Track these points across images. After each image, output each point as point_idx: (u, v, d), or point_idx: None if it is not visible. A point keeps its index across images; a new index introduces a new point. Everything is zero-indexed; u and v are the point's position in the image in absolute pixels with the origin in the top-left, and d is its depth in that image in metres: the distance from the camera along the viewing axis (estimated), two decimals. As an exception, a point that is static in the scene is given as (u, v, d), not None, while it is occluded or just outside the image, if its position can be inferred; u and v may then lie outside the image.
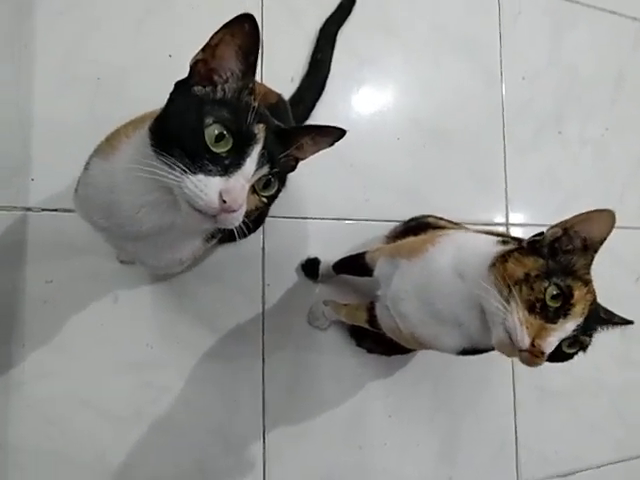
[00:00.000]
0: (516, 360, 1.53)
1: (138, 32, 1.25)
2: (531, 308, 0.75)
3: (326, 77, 1.38)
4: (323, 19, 1.40)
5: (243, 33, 0.64)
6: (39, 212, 1.13)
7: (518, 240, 0.93)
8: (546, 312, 0.74)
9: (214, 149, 0.62)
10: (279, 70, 1.34)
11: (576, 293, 0.75)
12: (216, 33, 0.65)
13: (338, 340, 1.35)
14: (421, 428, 1.41)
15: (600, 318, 0.78)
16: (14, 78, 1.14)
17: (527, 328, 0.73)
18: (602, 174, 1.77)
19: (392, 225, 1.38)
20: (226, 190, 0.60)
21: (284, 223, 1.33)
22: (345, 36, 1.43)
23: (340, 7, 1.42)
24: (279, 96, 1.09)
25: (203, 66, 0.67)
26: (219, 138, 0.62)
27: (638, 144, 1.83)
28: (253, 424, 1.26)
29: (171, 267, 0.85)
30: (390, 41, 1.51)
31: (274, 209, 1.22)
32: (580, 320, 0.75)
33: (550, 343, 0.73)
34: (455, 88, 1.57)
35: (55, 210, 1.14)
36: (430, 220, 1.29)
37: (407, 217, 1.38)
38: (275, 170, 0.66)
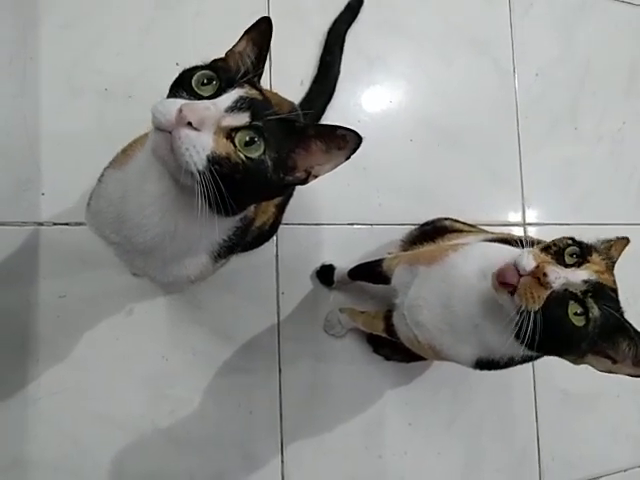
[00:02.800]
0: (537, 364, 1.50)
1: (144, 42, 1.24)
2: (546, 249, 0.76)
3: (336, 80, 1.36)
4: (331, 20, 1.38)
5: (260, 32, 0.69)
6: (50, 226, 1.12)
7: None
8: (561, 258, 0.75)
9: (198, 90, 0.62)
10: (288, 74, 1.33)
11: (594, 256, 0.75)
12: (240, 39, 0.70)
13: (355, 348, 1.33)
14: (441, 436, 1.39)
15: (614, 304, 0.74)
16: (20, 92, 1.14)
17: (534, 257, 0.73)
18: (620, 169, 1.73)
19: (407, 229, 1.36)
20: (186, 104, 0.57)
21: (297, 230, 1.31)
22: (354, 37, 1.41)
23: (348, 7, 1.40)
24: (292, 105, 1.07)
25: (221, 62, 0.68)
26: (207, 83, 0.62)
27: (656, 138, 1.79)
28: (271, 435, 1.24)
29: (179, 285, 0.84)
30: (399, 40, 1.49)
31: (287, 216, 1.22)
32: (592, 276, 0.73)
33: (554, 272, 0.71)
34: (467, 86, 1.55)
35: (66, 224, 1.13)
36: (446, 223, 1.26)
37: (422, 220, 1.36)
38: (257, 124, 0.62)
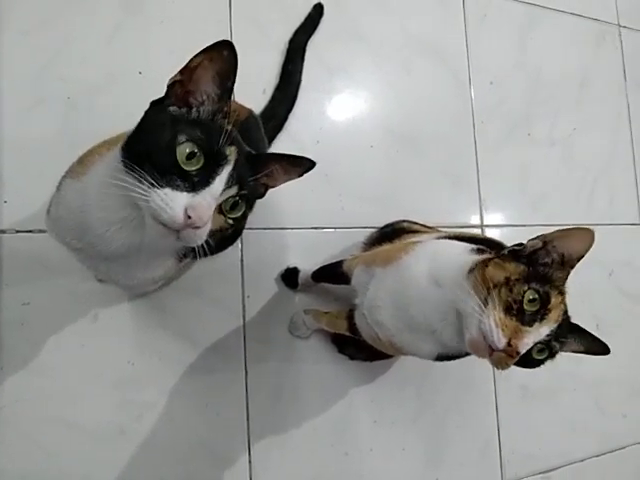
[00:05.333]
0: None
1: (107, 50, 1.25)
2: (508, 310, 0.76)
3: (297, 88, 1.39)
4: (292, 30, 1.42)
5: (222, 59, 0.66)
6: (13, 234, 1.12)
7: (491, 242, 0.96)
8: (522, 315, 0.76)
9: (185, 167, 0.63)
10: (250, 83, 1.35)
11: (553, 300, 0.77)
12: (195, 56, 0.67)
13: (320, 348, 1.35)
14: (406, 432, 1.42)
15: (570, 329, 0.81)
16: (-18, 100, 1.13)
17: (503, 330, 0.75)
18: (572, 173, 1.81)
19: (369, 232, 1.39)
20: (192, 206, 0.61)
21: (262, 234, 1.33)
22: (315, 47, 1.44)
23: (308, 18, 1.43)
24: (250, 112, 1.10)
25: (180, 87, 0.68)
26: (190, 156, 0.63)
27: (605, 142, 1.88)
28: (238, 436, 1.25)
29: (144, 286, 0.85)
30: (359, 50, 1.53)
31: (251, 220, 1.23)
32: (554, 326, 0.77)
33: (525, 344, 0.75)
34: (425, 94, 1.60)
35: (29, 231, 1.13)
36: (404, 225, 1.30)
37: (383, 223, 1.40)
38: (243, 192, 0.67)
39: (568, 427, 1.67)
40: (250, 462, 1.26)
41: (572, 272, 0.81)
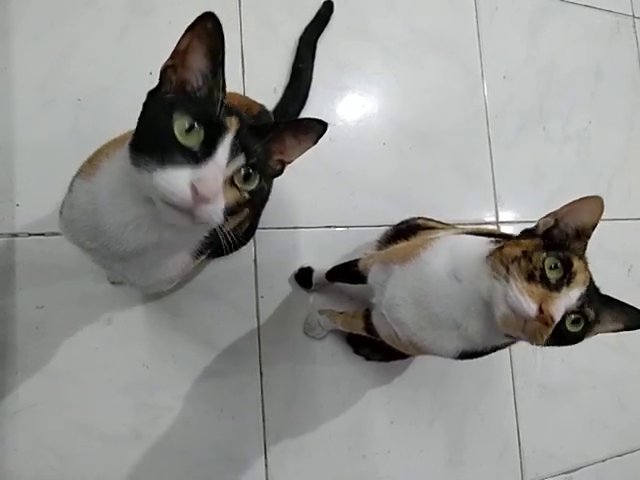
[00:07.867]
0: (515, 358, 1.53)
1: (116, 50, 1.24)
2: (531, 278, 0.74)
3: (309, 86, 1.38)
4: (302, 28, 1.40)
5: (209, 34, 0.63)
6: (26, 237, 1.12)
7: (510, 238, 0.94)
8: (548, 282, 0.74)
9: (184, 141, 0.60)
10: (261, 82, 1.35)
11: (575, 263, 0.76)
12: (183, 37, 0.65)
13: (335, 349, 1.34)
14: (424, 433, 1.40)
15: (602, 301, 0.77)
16: (-7, 103, 1.13)
17: (530, 296, 0.72)
18: (588, 167, 1.78)
19: (383, 230, 1.37)
20: (197, 179, 0.58)
21: (275, 234, 1.32)
22: (325, 44, 1.43)
23: (318, 15, 1.42)
24: (261, 107, 1.09)
25: (173, 73, 0.66)
26: (189, 130, 0.61)
27: (620, 136, 1.85)
28: (254, 439, 1.24)
29: (160, 286, 0.84)
30: (370, 46, 1.51)
31: (264, 220, 1.23)
32: (583, 289, 0.74)
33: (558, 310, 0.72)
34: (438, 89, 1.58)
35: (42, 234, 1.12)
36: (420, 222, 1.28)
37: (397, 221, 1.37)
38: (252, 161, 0.64)
39: (589, 426, 1.64)
40: (266, 465, 1.24)
41: (590, 269, 0.79)
